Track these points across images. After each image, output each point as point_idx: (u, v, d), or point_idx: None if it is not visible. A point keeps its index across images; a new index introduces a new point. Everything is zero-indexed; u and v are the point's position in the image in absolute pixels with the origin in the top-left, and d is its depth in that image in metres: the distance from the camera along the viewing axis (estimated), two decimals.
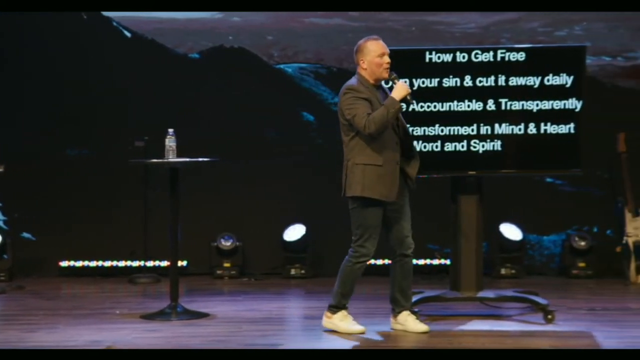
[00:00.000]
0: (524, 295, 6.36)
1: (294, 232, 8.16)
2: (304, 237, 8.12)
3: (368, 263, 5.80)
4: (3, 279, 7.89)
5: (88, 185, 8.24)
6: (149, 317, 6.33)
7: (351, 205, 5.79)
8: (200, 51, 8.35)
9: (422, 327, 5.79)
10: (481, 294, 6.30)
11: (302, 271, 8.09)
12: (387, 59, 5.72)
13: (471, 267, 6.26)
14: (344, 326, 5.79)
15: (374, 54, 5.71)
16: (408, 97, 5.67)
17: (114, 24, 8.32)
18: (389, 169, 5.68)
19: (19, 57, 8.30)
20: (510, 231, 8.06)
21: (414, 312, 5.87)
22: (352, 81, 5.78)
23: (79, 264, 8.26)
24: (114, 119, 8.27)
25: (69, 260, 8.26)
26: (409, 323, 5.80)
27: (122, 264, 8.25)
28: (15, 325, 6.16)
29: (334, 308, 5.83)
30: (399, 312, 5.84)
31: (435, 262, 8.14)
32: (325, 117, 8.41)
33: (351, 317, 5.86)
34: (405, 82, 5.80)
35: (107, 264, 8.25)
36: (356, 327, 5.80)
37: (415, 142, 6.18)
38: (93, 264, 8.25)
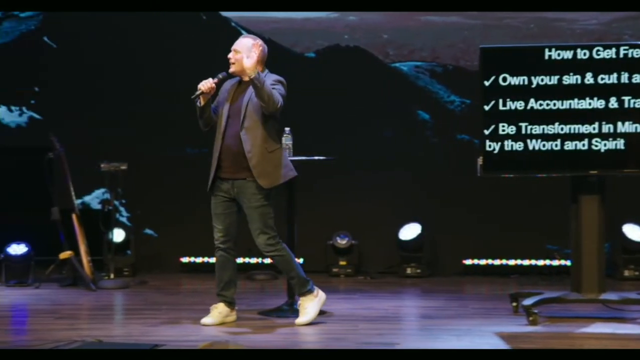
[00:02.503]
0: None
1: (410, 231, 8.13)
2: (419, 236, 8.09)
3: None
4: (127, 274, 8.12)
5: (207, 184, 8.37)
6: (266, 313, 6.42)
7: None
8: (316, 50, 8.41)
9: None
10: (604, 296, 6.14)
11: (418, 270, 8.06)
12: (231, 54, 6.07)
13: (593, 269, 6.11)
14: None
15: None
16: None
17: (233, 24, 8.46)
18: None
19: (142, 56, 8.50)
20: (634, 232, 7.84)
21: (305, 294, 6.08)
22: None
23: (199, 260, 8.44)
24: None
25: (190, 256, 8.45)
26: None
27: (239, 260, 8.35)
28: (139, 319, 6.33)
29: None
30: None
31: (555, 262, 7.99)
32: (441, 116, 8.36)
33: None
34: (216, 79, 6.24)
35: None
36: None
37: (530, 141, 6.10)
38: (212, 260, 8.39)
